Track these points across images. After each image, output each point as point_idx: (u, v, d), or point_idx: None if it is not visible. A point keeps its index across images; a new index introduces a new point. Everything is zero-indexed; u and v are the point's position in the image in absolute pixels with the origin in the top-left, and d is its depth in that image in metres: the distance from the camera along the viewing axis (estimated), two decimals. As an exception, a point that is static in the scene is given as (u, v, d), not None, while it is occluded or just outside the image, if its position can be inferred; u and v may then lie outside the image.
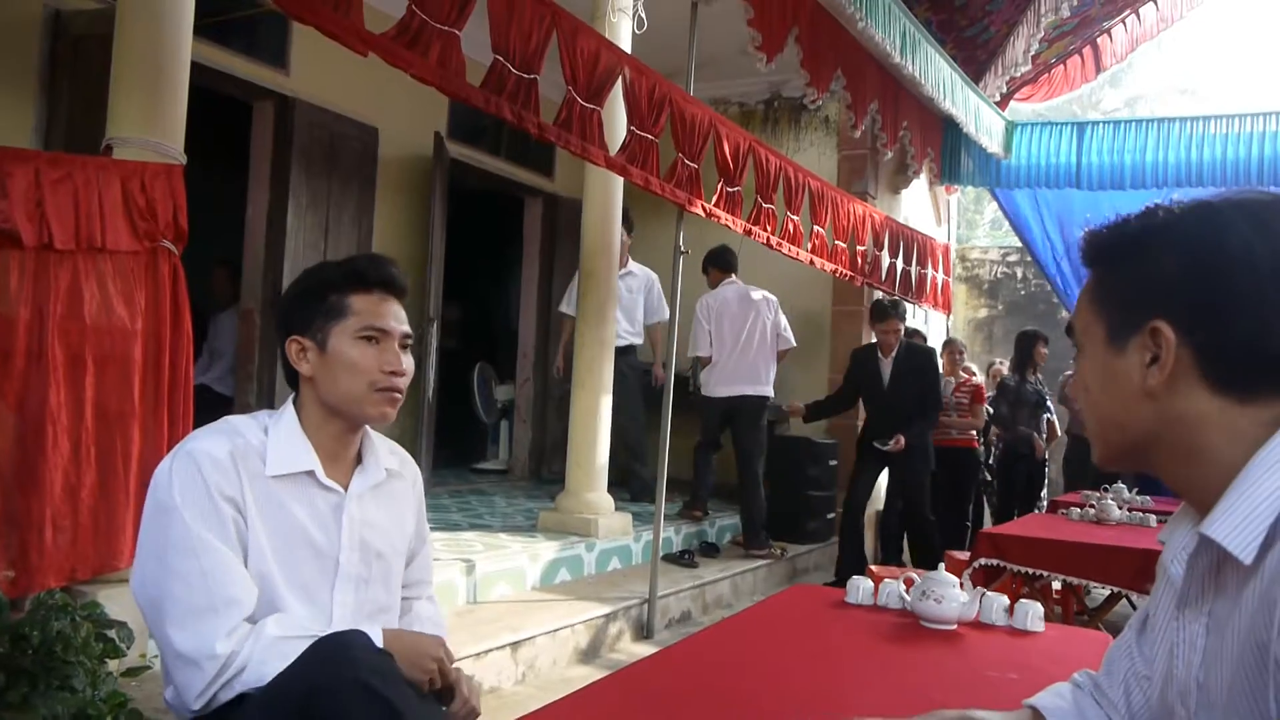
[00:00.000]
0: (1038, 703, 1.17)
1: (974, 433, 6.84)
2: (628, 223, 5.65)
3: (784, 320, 5.88)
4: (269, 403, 5.18)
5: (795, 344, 5.95)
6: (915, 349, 5.88)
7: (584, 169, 4.97)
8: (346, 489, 1.57)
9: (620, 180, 4.90)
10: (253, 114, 5.53)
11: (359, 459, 1.62)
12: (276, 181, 5.46)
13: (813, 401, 6.34)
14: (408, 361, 1.57)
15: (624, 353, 5.79)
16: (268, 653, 1.38)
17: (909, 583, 2.09)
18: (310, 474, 1.53)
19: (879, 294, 6.66)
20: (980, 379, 7.13)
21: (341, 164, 5.74)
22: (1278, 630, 0.80)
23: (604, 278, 4.99)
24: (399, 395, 1.56)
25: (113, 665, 2.25)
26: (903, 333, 5.81)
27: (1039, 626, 1.98)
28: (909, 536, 6.06)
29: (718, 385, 5.70)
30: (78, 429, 2.59)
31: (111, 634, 2.25)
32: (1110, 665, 1.15)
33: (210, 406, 3.26)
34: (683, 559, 5.19)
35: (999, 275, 9.34)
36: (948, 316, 8.29)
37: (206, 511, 1.42)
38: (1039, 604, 2.01)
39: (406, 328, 1.58)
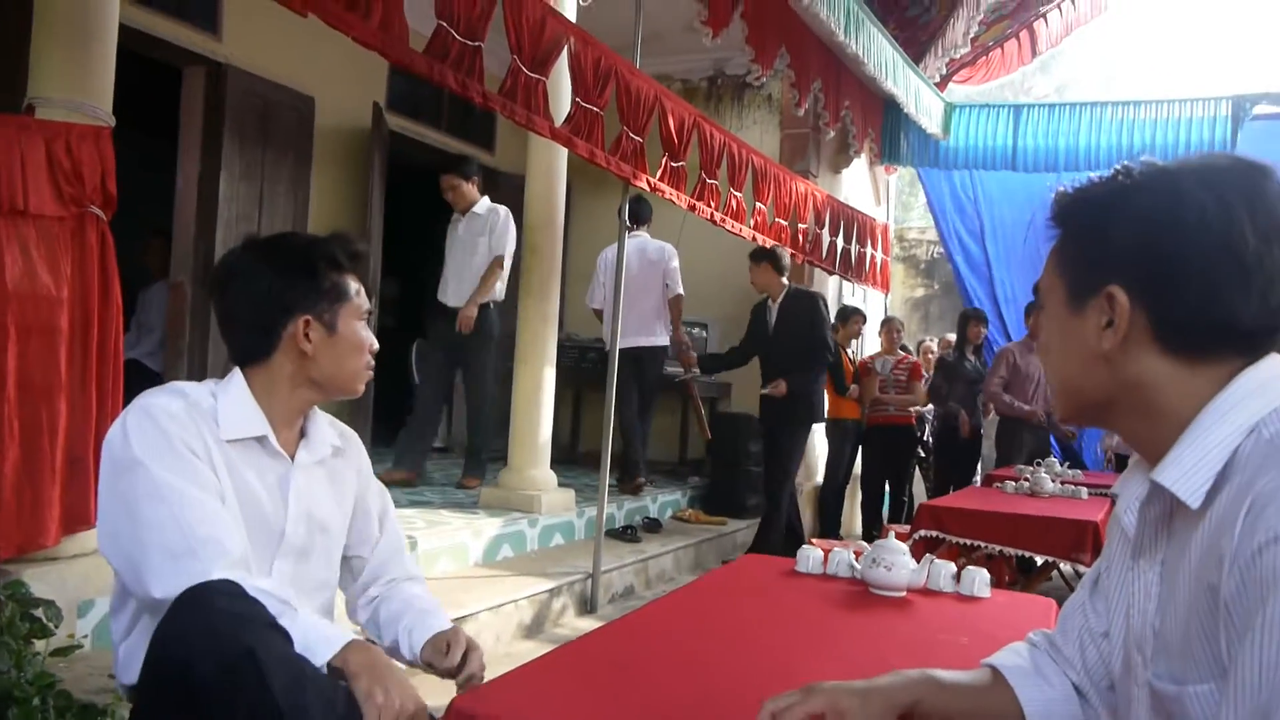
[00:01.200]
0: (996, 662, 1.19)
1: (911, 410, 6.96)
2: (466, 169, 5.30)
3: (674, 269, 5.93)
4: (200, 378, 5.04)
5: (683, 292, 6.00)
6: (799, 293, 5.58)
7: (526, 143, 4.91)
8: (293, 461, 1.58)
9: (564, 154, 4.85)
10: (182, 80, 5.34)
11: (303, 433, 1.63)
12: (208, 151, 5.28)
13: (709, 353, 6.42)
14: None
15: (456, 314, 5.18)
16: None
17: (858, 552, 2.11)
18: (259, 441, 1.53)
19: (819, 271, 6.72)
20: (915, 357, 7.26)
21: (276, 134, 5.58)
22: (1226, 573, 0.81)
23: (548, 253, 4.94)
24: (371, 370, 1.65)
25: (40, 645, 2.17)
26: (784, 285, 5.51)
27: (985, 592, 2.01)
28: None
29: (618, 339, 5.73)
30: (0, 402, 2.48)
31: (38, 613, 2.16)
32: (1064, 624, 1.17)
33: (140, 382, 3.14)
34: (626, 534, 5.19)
35: (935, 255, 9.48)
36: (886, 295, 8.39)
37: (172, 460, 1.40)
38: (985, 571, 2.04)
39: None
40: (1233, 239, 0.88)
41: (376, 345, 1.63)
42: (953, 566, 2.06)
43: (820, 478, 7.09)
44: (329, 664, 1.33)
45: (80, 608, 2.68)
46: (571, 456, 7.24)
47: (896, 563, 1.97)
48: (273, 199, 5.59)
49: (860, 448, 7.05)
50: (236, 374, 1.56)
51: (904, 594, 1.97)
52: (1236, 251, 0.88)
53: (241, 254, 1.57)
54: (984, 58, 7.42)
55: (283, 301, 1.53)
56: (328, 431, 1.66)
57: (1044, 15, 7.18)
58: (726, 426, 6.58)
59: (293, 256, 1.56)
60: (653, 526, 5.59)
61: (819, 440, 7.22)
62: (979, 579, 2.02)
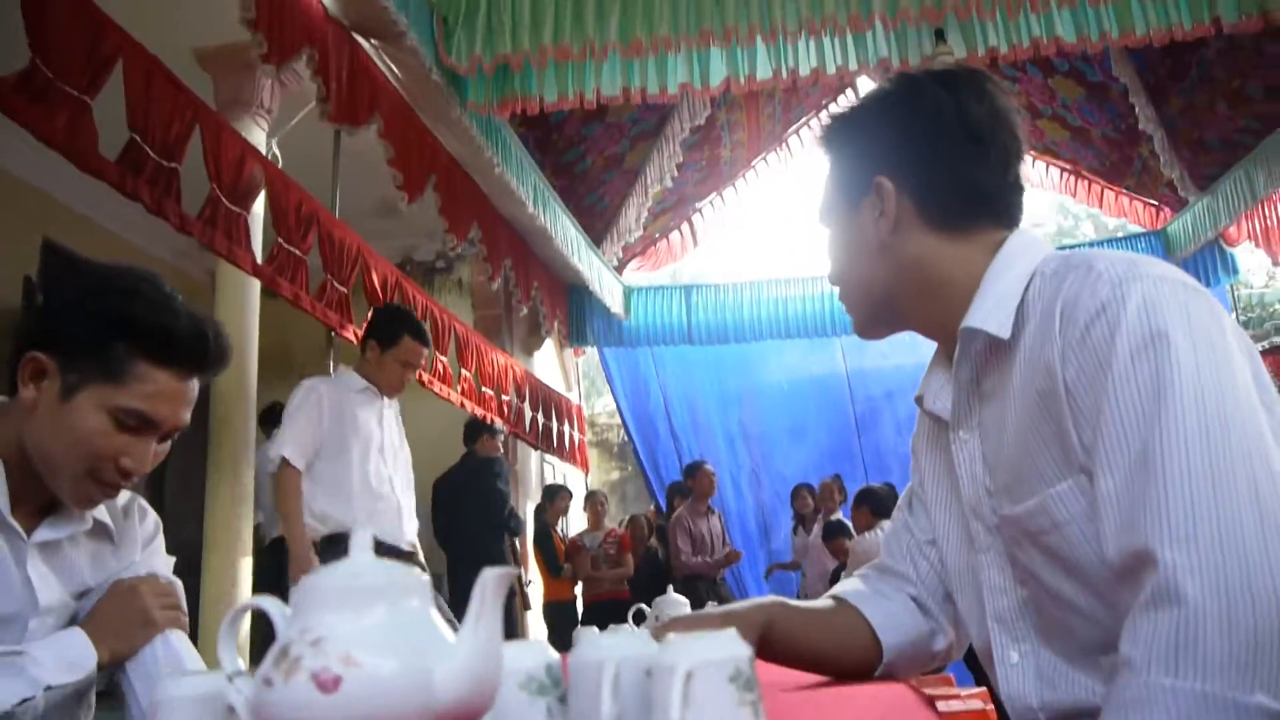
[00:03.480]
0: (836, 591, 1.21)
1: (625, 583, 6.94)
2: None
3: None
4: None
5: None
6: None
7: (212, 305, 4.62)
8: (29, 535, 1.17)
9: (255, 322, 4.63)
10: None
11: (52, 507, 1.21)
12: None
13: None
14: (161, 450, 1.21)
15: None
16: None
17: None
18: None
19: (523, 445, 6.73)
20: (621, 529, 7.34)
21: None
22: (1060, 366, 0.88)
23: (240, 426, 4.57)
24: (117, 492, 1.22)
25: None
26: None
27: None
28: None
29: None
30: None
31: None
32: (891, 548, 1.21)
33: None
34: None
35: (624, 438, 9.88)
36: (586, 475, 8.54)
37: None
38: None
39: (187, 416, 1.21)
40: (965, 118, 1.04)
41: (136, 467, 1.16)
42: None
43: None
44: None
45: None
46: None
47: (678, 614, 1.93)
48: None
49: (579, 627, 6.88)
50: None
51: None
52: (969, 128, 1.03)
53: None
54: (653, 247, 8.14)
55: (34, 333, 1.16)
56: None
57: (700, 209, 8.08)
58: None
59: (103, 301, 1.16)
60: None
61: (539, 626, 6.99)
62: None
